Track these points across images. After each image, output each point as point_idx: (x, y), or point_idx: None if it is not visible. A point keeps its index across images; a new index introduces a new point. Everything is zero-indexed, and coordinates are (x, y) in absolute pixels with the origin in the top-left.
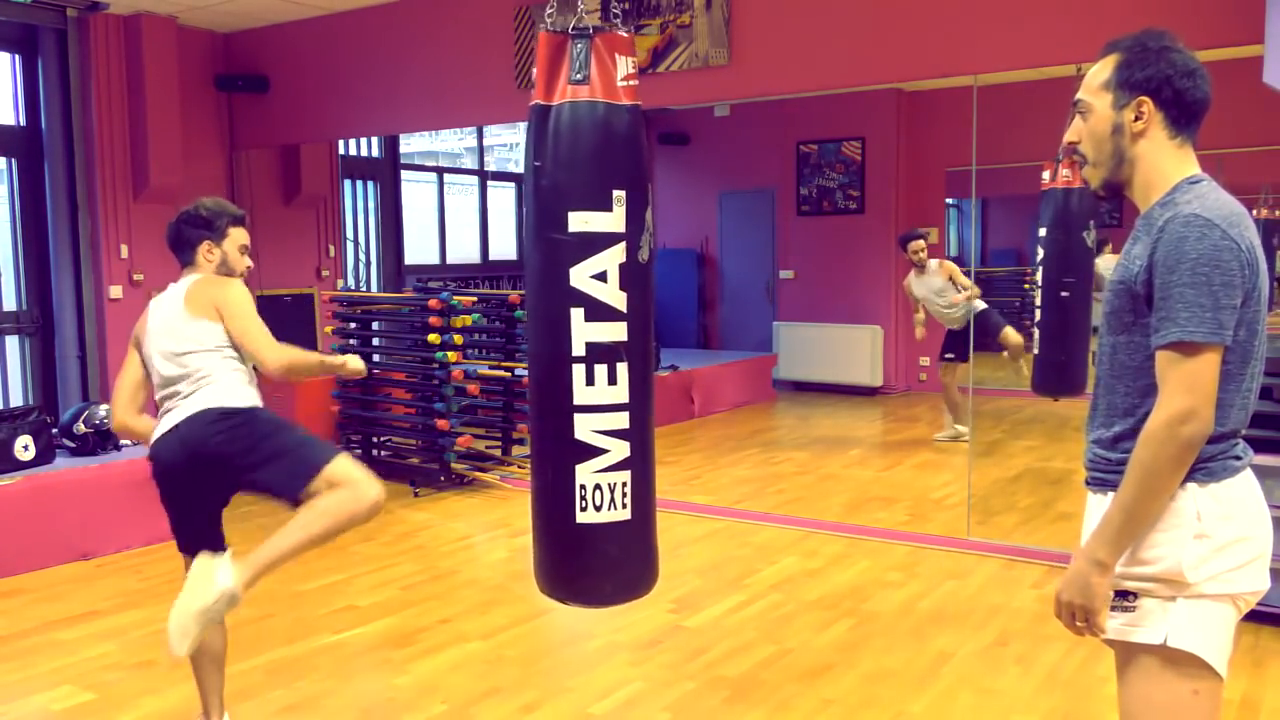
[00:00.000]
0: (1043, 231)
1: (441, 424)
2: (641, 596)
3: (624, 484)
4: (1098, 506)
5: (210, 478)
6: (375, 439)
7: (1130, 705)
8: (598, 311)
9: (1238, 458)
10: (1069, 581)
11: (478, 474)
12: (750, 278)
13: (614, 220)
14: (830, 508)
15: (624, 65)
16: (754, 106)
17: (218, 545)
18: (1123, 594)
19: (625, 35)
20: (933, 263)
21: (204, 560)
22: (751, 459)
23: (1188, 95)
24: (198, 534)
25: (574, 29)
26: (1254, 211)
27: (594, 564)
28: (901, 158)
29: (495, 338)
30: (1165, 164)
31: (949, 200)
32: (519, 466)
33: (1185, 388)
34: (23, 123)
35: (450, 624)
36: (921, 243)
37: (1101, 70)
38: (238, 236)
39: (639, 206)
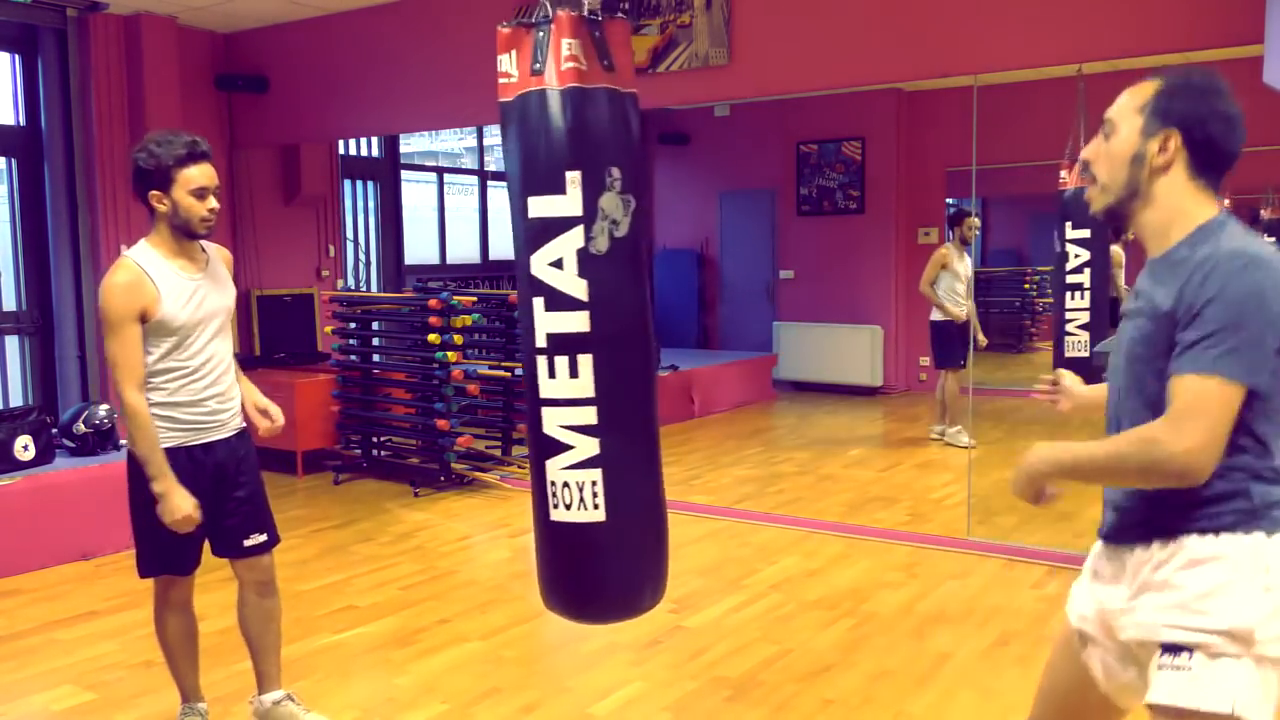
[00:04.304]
0: (1083, 234)
1: (441, 424)
2: (626, 615)
3: (593, 483)
4: (1135, 562)
5: None
6: (375, 439)
7: None
8: (557, 301)
9: None
10: (1015, 481)
11: (478, 474)
12: (750, 278)
13: (569, 204)
14: (830, 508)
15: (567, 48)
16: (754, 106)
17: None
18: (1173, 648)
19: (566, 17)
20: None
21: None
22: (751, 459)
23: (1220, 143)
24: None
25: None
26: (1257, 211)
27: (563, 564)
28: (901, 158)
29: (495, 338)
30: (1187, 204)
31: (949, 200)
32: (519, 466)
33: (1195, 418)
34: (23, 123)
35: (450, 624)
36: (976, 220)
37: (1139, 93)
38: (188, 179)
39: (594, 190)
